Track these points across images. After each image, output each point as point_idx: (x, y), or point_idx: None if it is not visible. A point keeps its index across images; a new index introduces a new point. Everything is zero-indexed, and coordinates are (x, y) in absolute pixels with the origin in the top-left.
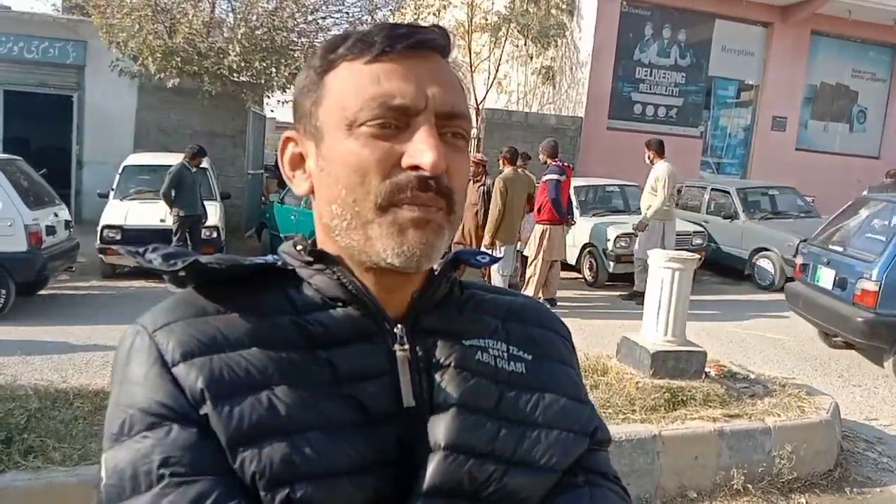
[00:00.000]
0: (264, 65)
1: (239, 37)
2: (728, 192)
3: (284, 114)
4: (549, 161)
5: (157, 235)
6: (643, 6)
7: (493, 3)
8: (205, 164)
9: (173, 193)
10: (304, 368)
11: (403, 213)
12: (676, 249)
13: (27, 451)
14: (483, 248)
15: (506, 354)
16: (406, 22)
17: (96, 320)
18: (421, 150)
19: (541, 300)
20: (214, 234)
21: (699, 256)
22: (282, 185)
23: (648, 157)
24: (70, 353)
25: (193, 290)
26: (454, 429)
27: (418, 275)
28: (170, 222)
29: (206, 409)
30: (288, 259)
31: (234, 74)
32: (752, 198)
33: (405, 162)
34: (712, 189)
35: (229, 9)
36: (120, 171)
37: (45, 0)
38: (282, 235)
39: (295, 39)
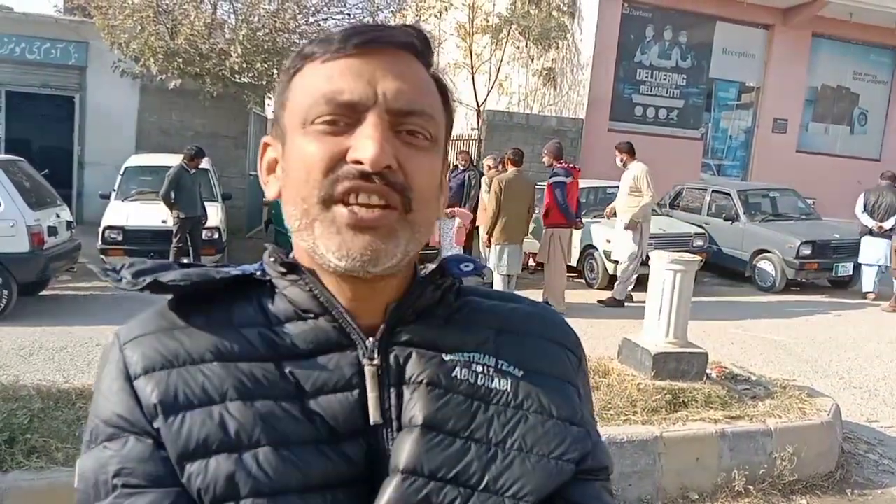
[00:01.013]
0: (266, 66)
1: (241, 38)
2: (729, 194)
3: None
4: (554, 163)
5: (158, 236)
6: (644, 8)
7: (494, 5)
8: (206, 164)
9: (173, 195)
10: (266, 382)
11: (341, 212)
12: (677, 251)
13: (30, 451)
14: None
15: (491, 370)
16: (376, 23)
17: (98, 321)
18: (363, 144)
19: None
20: (216, 235)
21: (700, 258)
22: None
23: (621, 160)
24: (72, 354)
25: (170, 302)
26: (415, 451)
27: (393, 281)
28: (171, 223)
29: (159, 422)
30: (267, 269)
31: (236, 76)
32: (753, 200)
33: (349, 156)
34: (713, 191)
35: (231, 10)
36: (121, 172)
37: (47, 1)
38: (288, 232)
39: (297, 41)
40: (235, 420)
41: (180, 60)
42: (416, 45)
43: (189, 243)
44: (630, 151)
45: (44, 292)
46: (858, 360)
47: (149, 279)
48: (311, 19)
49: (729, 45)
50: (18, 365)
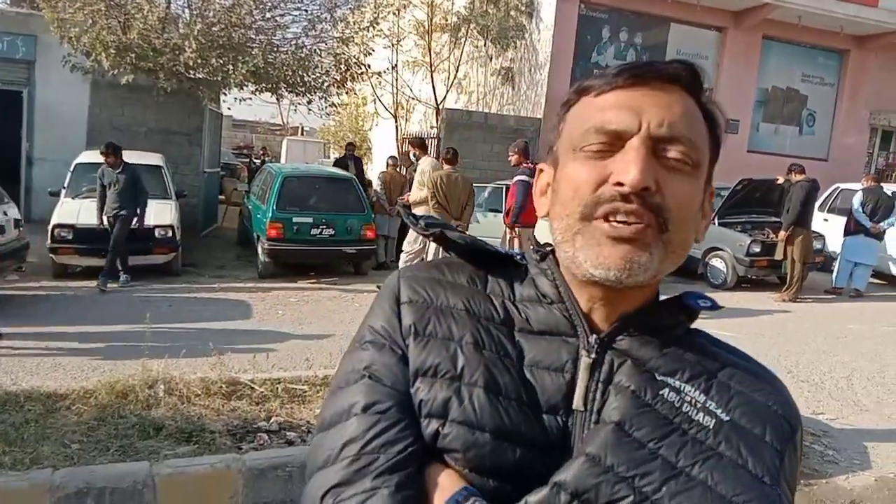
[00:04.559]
0: (221, 62)
1: (195, 33)
2: None
3: (242, 112)
4: (522, 162)
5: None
6: (600, 9)
7: (452, 4)
8: (159, 161)
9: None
10: (496, 341)
11: (601, 226)
12: None
13: None
14: None
15: (699, 404)
16: (650, 60)
17: (47, 321)
18: (624, 168)
19: None
20: (170, 234)
21: None
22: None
23: (414, 155)
24: (20, 355)
25: (446, 261)
26: (604, 442)
27: (633, 295)
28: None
29: (410, 340)
30: (527, 255)
31: (191, 71)
32: None
33: (611, 179)
34: None
35: (185, 4)
36: (72, 169)
37: None
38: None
39: (253, 37)
40: (465, 357)
41: (133, 55)
42: (684, 79)
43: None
44: (421, 147)
45: None
46: (806, 355)
47: (437, 230)
48: (269, 15)
49: (683, 47)
50: None
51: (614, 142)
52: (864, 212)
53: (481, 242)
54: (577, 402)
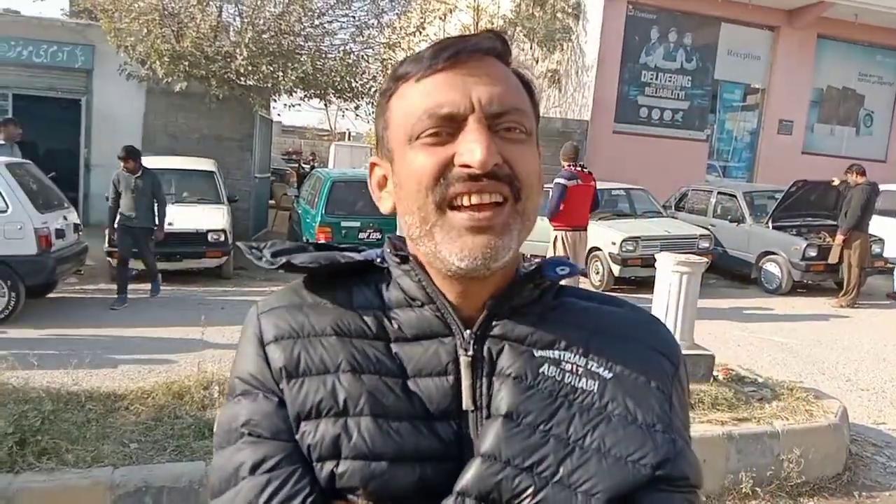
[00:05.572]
0: (271, 69)
1: (246, 41)
2: (734, 196)
3: (291, 118)
4: (564, 165)
5: (164, 238)
6: (649, 10)
7: (498, 8)
8: (211, 167)
9: (110, 200)
10: (374, 359)
11: (459, 217)
12: (683, 253)
13: (41, 452)
14: None
15: (580, 369)
16: (459, 35)
17: (104, 323)
18: (470, 149)
19: None
20: (222, 238)
21: (706, 260)
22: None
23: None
24: (79, 356)
25: (304, 280)
26: (496, 438)
27: (495, 278)
28: (178, 225)
29: (283, 384)
30: (386, 257)
31: (241, 78)
32: (759, 201)
33: (456, 161)
34: (719, 192)
35: (236, 13)
36: None
37: (53, 4)
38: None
39: (302, 43)
40: (345, 390)
41: (186, 63)
42: (499, 49)
43: (127, 257)
44: None
45: (50, 295)
46: (865, 362)
47: (283, 259)
48: (317, 22)
49: (734, 47)
50: (27, 367)
51: (449, 125)
52: None
53: (334, 255)
54: (466, 402)
